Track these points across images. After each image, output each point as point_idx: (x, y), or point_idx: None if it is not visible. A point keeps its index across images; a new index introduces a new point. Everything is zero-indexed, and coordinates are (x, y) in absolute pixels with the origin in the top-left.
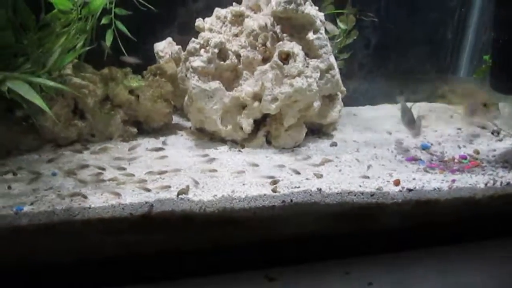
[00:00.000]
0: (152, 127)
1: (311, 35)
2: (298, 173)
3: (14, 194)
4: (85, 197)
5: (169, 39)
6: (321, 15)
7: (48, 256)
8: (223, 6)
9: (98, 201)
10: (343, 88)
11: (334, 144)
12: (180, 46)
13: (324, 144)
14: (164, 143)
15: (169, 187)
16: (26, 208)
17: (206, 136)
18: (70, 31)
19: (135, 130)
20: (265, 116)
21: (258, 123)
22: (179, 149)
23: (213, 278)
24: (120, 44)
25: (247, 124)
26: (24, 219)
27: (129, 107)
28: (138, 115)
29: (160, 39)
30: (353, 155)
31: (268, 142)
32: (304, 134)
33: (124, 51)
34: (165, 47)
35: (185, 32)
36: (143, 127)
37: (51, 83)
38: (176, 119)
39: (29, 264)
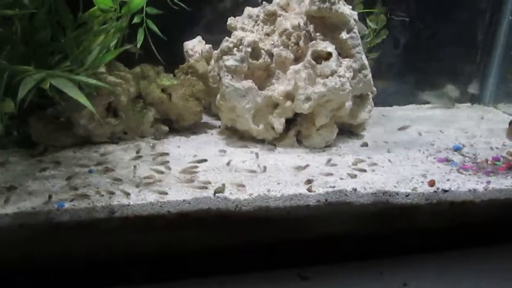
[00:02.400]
0: (183, 125)
1: (344, 35)
2: (331, 173)
3: (53, 190)
4: (127, 194)
5: (199, 37)
6: (354, 14)
7: (86, 252)
8: (250, 5)
9: (136, 198)
10: (373, 88)
11: (365, 145)
12: (211, 45)
13: (355, 144)
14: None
15: (209, 183)
16: (67, 205)
17: (236, 135)
18: (109, 30)
19: (166, 128)
20: (296, 116)
21: (289, 123)
22: (211, 147)
23: (246, 276)
24: (151, 43)
25: (279, 123)
26: (65, 215)
27: (161, 106)
28: (170, 113)
29: (186, 38)
30: (385, 155)
31: (299, 142)
32: (335, 134)
33: (155, 50)
34: (195, 46)
35: (212, 31)
36: (174, 125)
37: (93, 81)
38: (204, 117)
39: (68, 260)
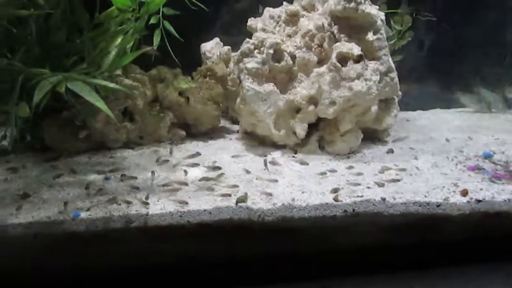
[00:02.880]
0: (200, 130)
1: (370, 36)
2: (358, 181)
3: (68, 199)
4: (145, 203)
5: (217, 39)
6: (381, 15)
7: (102, 262)
8: (268, 6)
9: (155, 207)
10: (399, 92)
11: (390, 151)
12: (229, 47)
13: (380, 150)
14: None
15: (230, 192)
16: (83, 214)
17: (256, 141)
18: (127, 31)
19: (183, 133)
20: (318, 121)
21: (310, 128)
22: (230, 153)
23: None
24: (167, 44)
25: (301, 128)
26: (81, 225)
27: (178, 109)
28: (187, 117)
29: (202, 39)
30: (412, 163)
31: (321, 148)
32: (360, 140)
33: (171, 52)
34: (212, 48)
35: (229, 32)
36: (191, 130)
37: (111, 85)
38: (221, 121)
39: (83, 270)
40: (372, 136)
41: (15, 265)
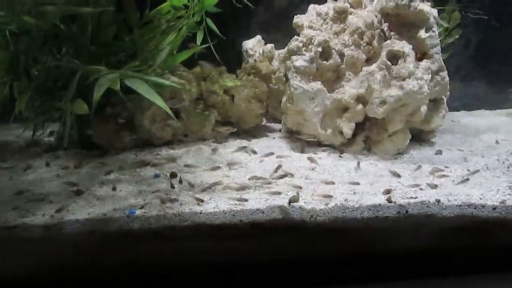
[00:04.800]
0: (243, 128)
1: (422, 33)
2: (410, 182)
3: (121, 196)
4: (201, 201)
5: (258, 37)
6: (434, 12)
7: (153, 261)
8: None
9: (207, 206)
10: (448, 92)
11: (439, 153)
12: (273, 44)
13: (428, 152)
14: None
15: (279, 193)
16: (138, 212)
17: (300, 140)
18: (181, 28)
19: (227, 131)
20: (364, 120)
21: (356, 128)
22: (276, 152)
23: None
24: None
25: (348, 128)
26: (136, 223)
27: (222, 107)
28: (230, 115)
29: (241, 37)
30: (462, 164)
31: (367, 148)
32: (408, 141)
33: (213, 50)
34: (254, 45)
35: (268, 30)
36: (234, 128)
37: (167, 82)
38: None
39: (137, 269)
40: (418, 137)
41: (70, 261)
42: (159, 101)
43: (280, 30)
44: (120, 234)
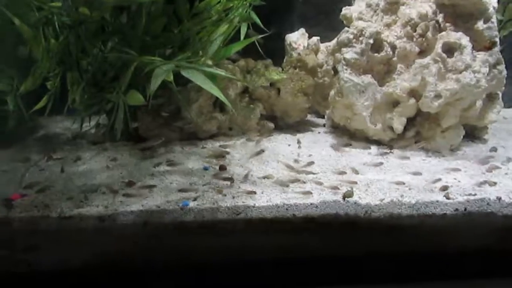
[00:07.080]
0: (287, 122)
1: (480, 25)
2: (466, 179)
3: (172, 188)
4: (253, 193)
5: (302, 30)
6: (494, 2)
7: (206, 254)
8: None
9: (260, 200)
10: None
11: (493, 149)
12: (318, 37)
13: (481, 149)
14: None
15: (333, 188)
16: (191, 204)
17: (347, 135)
18: (232, 19)
19: (272, 125)
20: (415, 115)
21: (406, 123)
22: (324, 147)
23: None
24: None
25: (399, 123)
26: (189, 215)
27: (267, 101)
28: (276, 109)
29: (283, 30)
30: None
31: (416, 144)
32: (461, 137)
33: (257, 43)
34: (298, 38)
35: (308, 23)
36: (278, 122)
37: (223, 73)
38: None
39: (190, 261)
40: (470, 133)
41: (123, 252)
42: (216, 91)
43: (320, 23)
44: (173, 226)
